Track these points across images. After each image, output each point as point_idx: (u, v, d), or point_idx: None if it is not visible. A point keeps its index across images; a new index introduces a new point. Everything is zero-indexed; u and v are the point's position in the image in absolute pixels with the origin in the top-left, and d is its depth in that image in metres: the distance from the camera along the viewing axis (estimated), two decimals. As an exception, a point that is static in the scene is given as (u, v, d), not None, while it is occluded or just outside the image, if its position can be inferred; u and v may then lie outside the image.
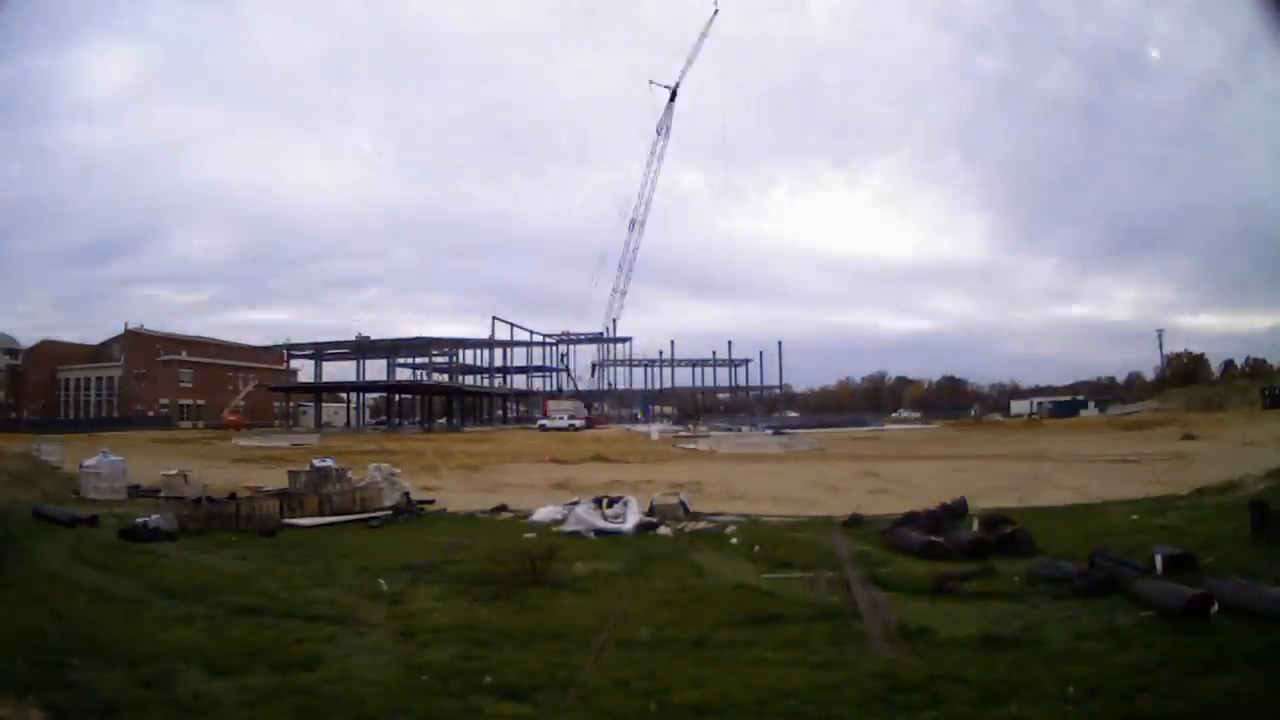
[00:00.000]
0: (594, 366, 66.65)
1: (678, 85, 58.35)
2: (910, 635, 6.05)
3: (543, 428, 47.18)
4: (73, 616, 6.82)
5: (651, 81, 58.57)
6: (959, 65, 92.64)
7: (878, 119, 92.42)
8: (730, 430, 46.94)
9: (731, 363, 70.48)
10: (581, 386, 64.67)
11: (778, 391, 70.05)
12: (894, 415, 64.34)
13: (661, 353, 68.31)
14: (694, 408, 67.56)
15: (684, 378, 71.56)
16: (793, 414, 67.68)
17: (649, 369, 70.06)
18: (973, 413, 62.11)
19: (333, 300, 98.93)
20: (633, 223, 60.03)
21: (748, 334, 71.22)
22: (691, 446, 33.77)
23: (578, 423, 48.71)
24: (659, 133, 58.86)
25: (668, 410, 68.27)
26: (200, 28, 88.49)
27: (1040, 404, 61.81)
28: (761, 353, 68.28)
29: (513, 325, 63.43)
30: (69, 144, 74.66)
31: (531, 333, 65.23)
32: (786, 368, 66.69)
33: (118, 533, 11.07)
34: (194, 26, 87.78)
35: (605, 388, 67.51)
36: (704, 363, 71.27)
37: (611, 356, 67.32)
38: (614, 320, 62.88)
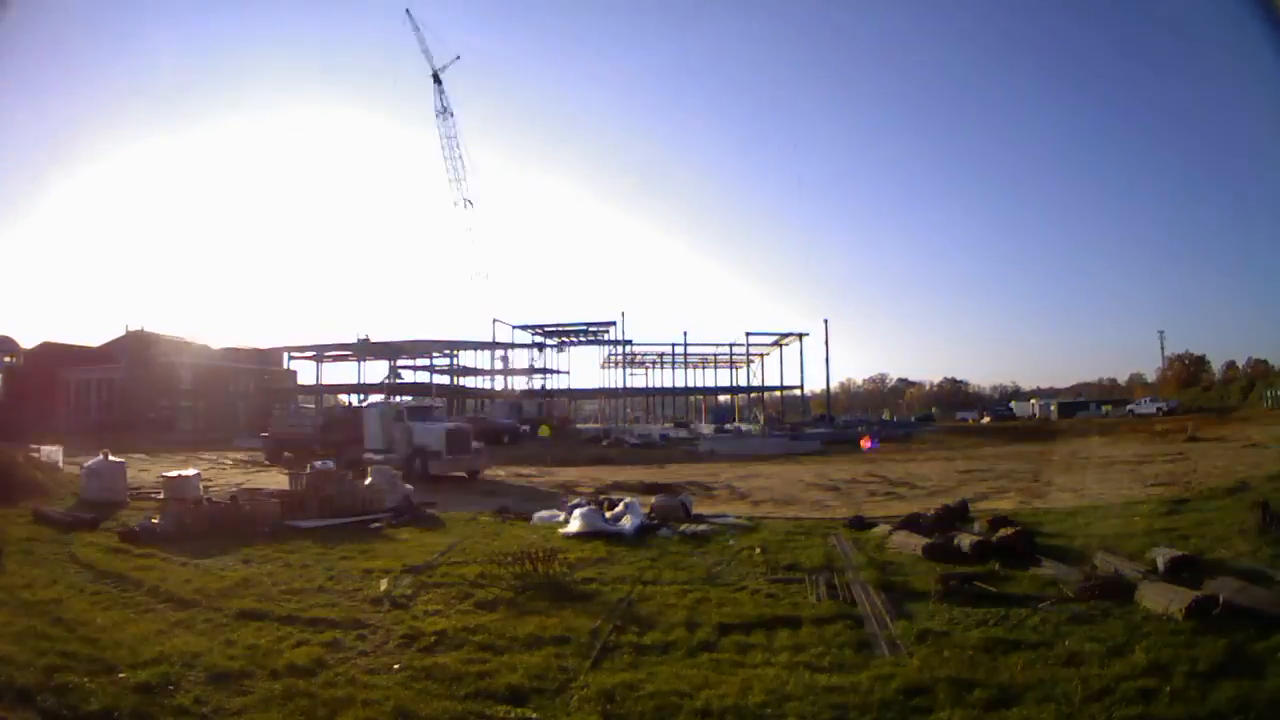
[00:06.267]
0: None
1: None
2: (915, 638, 6.02)
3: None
4: (71, 620, 6.78)
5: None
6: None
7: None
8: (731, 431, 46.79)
9: (732, 363, 70.51)
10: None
11: (777, 393, 69.98)
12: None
13: (662, 355, 68.31)
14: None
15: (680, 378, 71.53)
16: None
17: (649, 369, 70.15)
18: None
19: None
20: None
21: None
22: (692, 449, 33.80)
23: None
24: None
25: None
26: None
27: (1038, 405, 61.75)
28: (763, 355, 68.27)
29: (514, 327, 63.56)
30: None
31: (533, 331, 65.27)
32: (788, 369, 66.61)
33: (117, 535, 11.04)
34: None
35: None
36: (706, 363, 71.30)
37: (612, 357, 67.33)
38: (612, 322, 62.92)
